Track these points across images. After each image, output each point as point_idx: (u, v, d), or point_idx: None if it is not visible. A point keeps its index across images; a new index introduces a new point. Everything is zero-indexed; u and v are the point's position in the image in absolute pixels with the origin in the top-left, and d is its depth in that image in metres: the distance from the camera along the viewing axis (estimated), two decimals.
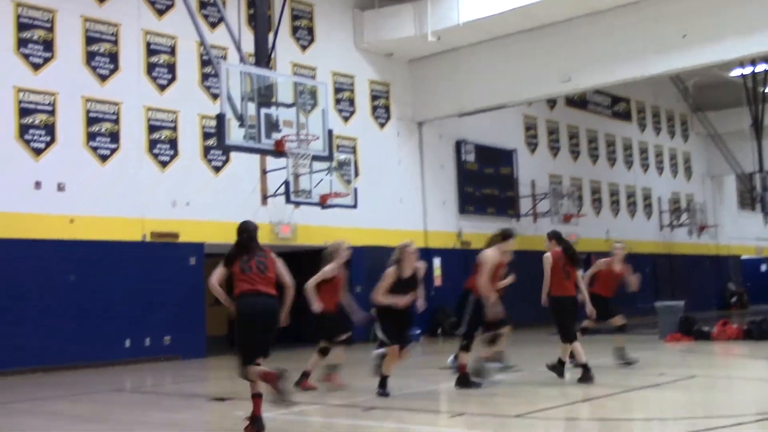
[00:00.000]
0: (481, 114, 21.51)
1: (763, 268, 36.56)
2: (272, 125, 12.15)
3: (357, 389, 9.93)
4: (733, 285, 33.10)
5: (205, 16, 17.14)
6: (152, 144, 16.24)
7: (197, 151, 16.95)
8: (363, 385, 10.04)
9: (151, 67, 16.39)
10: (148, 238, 15.92)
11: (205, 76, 17.13)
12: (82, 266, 14.92)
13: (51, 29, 15.04)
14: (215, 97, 16.27)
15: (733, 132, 30.22)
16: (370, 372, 9.82)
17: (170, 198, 16.31)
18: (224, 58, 16.69)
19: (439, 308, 19.89)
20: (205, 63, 16.95)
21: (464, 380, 9.69)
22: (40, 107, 14.77)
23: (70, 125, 15.10)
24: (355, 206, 17.37)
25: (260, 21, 14.13)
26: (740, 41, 16.67)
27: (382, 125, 20.86)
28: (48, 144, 14.82)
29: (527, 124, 25.25)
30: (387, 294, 9.07)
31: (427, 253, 19.64)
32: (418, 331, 18.70)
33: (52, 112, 14.91)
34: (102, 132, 15.54)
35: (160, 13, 16.62)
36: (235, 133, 11.79)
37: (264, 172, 17.43)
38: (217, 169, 17.21)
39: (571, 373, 10.31)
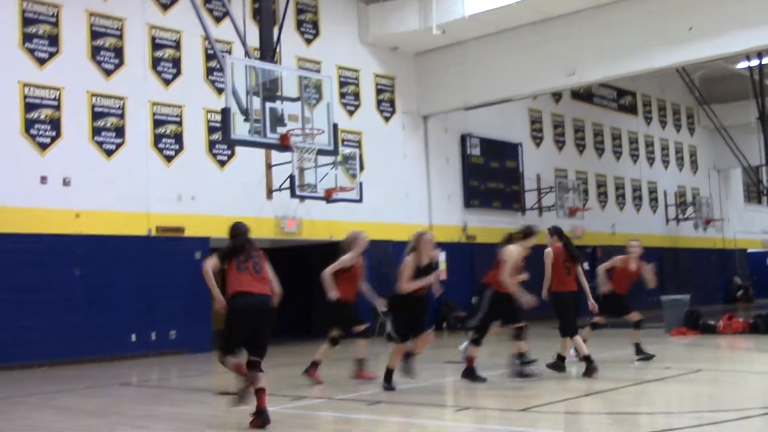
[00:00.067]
0: (487, 107, 21.48)
1: None
2: (277, 119, 12.14)
3: (361, 383, 9.94)
4: (739, 279, 33.02)
5: (210, 10, 17.13)
6: (157, 138, 16.25)
7: (202, 146, 16.96)
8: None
9: (156, 62, 16.39)
10: (153, 233, 15.95)
11: (210, 71, 17.13)
12: (87, 261, 14.95)
13: (56, 24, 15.05)
14: (220, 91, 16.27)
15: (739, 125, 30.11)
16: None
17: (175, 192, 16.33)
18: (229, 52, 16.66)
19: (444, 302, 19.90)
20: (210, 57, 16.96)
21: (471, 373, 9.70)
22: (45, 102, 14.79)
23: (76, 120, 15.12)
24: (360, 200, 17.38)
25: (265, 15, 14.11)
26: (746, 33, 16.60)
27: (387, 119, 20.84)
28: (53, 139, 14.84)
29: (533, 118, 25.20)
30: (410, 282, 9.02)
31: None
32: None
33: (57, 107, 14.93)
34: (107, 127, 15.55)
35: (165, 7, 16.62)
36: (241, 128, 11.79)
37: (269, 166, 17.48)
38: (223, 164, 17.22)
39: (577, 367, 10.30)
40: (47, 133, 14.76)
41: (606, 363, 11.31)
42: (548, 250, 10.45)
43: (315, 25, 19.42)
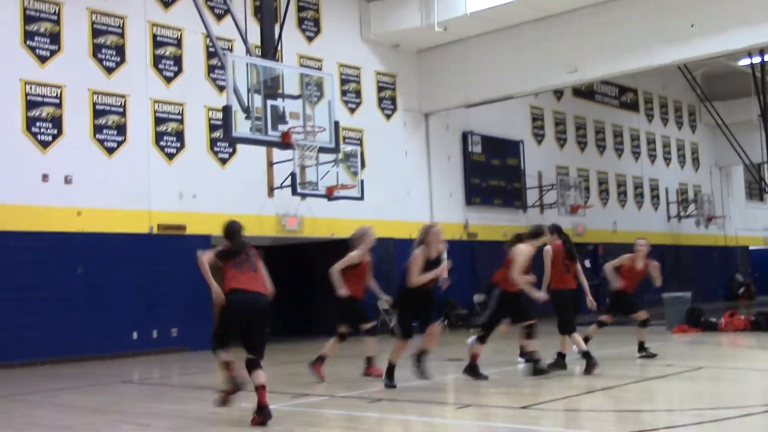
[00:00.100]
0: (488, 105, 21.46)
1: None
2: (278, 117, 12.15)
3: (364, 381, 9.94)
4: (741, 276, 33.01)
5: (211, 8, 17.12)
6: (159, 136, 16.26)
7: (204, 144, 16.96)
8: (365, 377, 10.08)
9: (157, 60, 16.39)
10: (155, 231, 15.96)
11: (211, 68, 17.13)
12: (89, 259, 14.97)
13: (57, 22, 15.05)
14: (221, 89, 16.27)
15: (741, 122, 30.06)
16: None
17: (177, 190, 16.34)
18: (230, 49, 16.66)
19: (444, 299, 19.88)
20: (211, 55, 16.95)
21: (473, 370, 9.70)
22: (46, 100, 14.80)
23: (77, 118, 15.12)
24: (361, 198, 17.38)
25: (266, 12, 14.11)
26: (748, 30, 16.57)
27: (388, 116, 20.83)
28: (55, 137, 14.84)
29: (534, 115, 25.18)
30: (420, 275, 8.99)
31: None
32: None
33: (58, 105, 14.94)
34: (109, 125, 15.56)
35: (166, 5, 16.61)
36: (242, 125, 11.79)
37: (270, 164, 17.47)
38: (224, 162, 17.22)
39: (580, 365, 10.30)
40: (49, 131, 14.76)
41: (608, 360, 11.32)
42: (547, 248, 10.47)
43: (316, 22, 19.41)
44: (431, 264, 9.09)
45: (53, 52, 14.96)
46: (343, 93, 19.65)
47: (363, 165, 18.72)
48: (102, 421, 7.96)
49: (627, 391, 8.90)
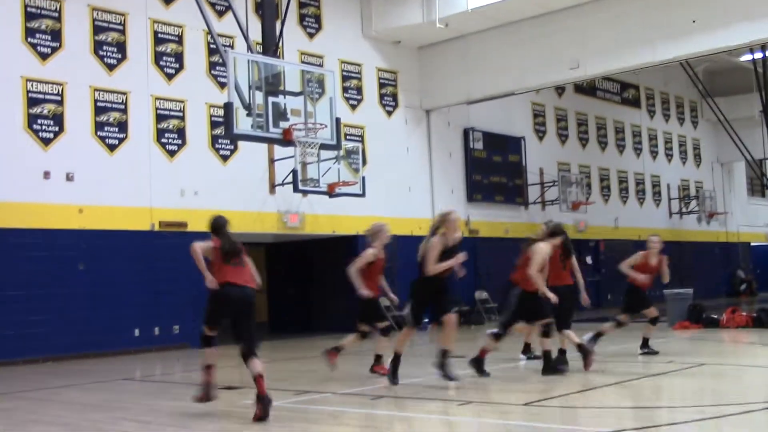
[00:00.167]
0: (490, 101, 21.45)
1: None
2: (280, 114, 12.14)
3: (366, 378, 9.95)
4: (743, 272, 33.00)
5: (212, 5, 17.10)
6: (160, 133, 16.26)
7: (205, 141, 16.96)
8: (371, 374, 10.09)
9: (158, 56, 16.39)
10: (156, 228, 15.96)
11: (212, 65, 17.12)
12: (91, 256, 14.98)
13: (58, 19, 15.04)
14: (223, 85, 16.27)
15: (743, 118, 30.02)
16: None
17: (178, 187, 16.34)
18: (231, 46, 16.67)
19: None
20: (212, 52, 16.94)
21: (478, 363, 9.66)
22: (48, 97, 14.80)
23: (78, 115, 15.12)
24: (363, 195, 17.37)
25: (267, 9, 14.10)
26: (750, 26, 16.53)
27: (389, 113, 20.82)
28: (56, 134, 14.85)
29: (535, 112, 25.16)
30: (438, 263, 8.90)
31: None
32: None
33: (60, 102, 14.94)
34: (110, 122, 15.56)
35: (167, 2, 16.60)
36: (243, 122, 11.79)
37: (272, 161, 17.45)
38: (225, 158, 17.22)
39: (580, 363, 10.29)
40: (50, 128, 14.77)
41: (610, 357, 11.33)
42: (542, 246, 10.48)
43: (317, 19, 19.39)
44: (448, 252, 9.02)
45: (54, 49, 14.96)
46: (345, 90, 19.63)
47: (364, 162, 18.71)
48: (104, 418, 7.97)
49: (628, 388, 8.90)
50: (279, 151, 16.55)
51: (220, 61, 16.02)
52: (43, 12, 14.85)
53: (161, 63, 16.43)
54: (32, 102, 14.59)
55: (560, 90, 25.76)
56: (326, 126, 12.56)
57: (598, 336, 11.32)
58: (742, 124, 29.94)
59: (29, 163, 14.43)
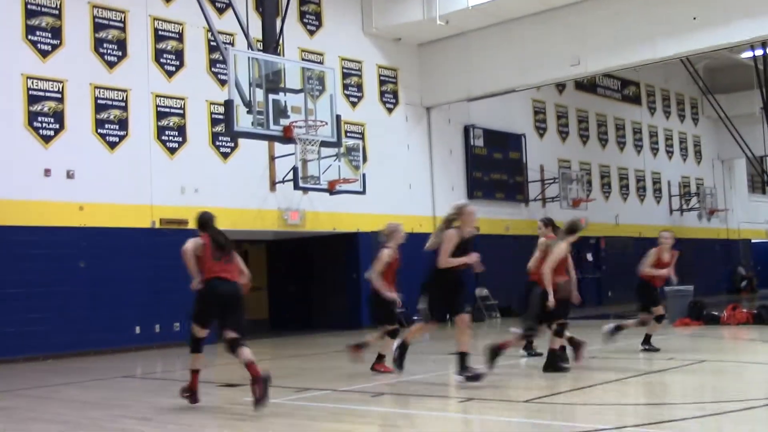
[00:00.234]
0: (490, 98, 21.44)
1: None
2: (280, 111, 12.14)
3: (368, 375, 9.95)
4: (743, 269, 32.98)
5: (213, 2, 17.08)
6: (160, 131, 16.25)
7: (205, 138, 16.95)
8: (372, 372, 10.09)
9: (159, 54, 16.38)
10: (157, 225, 15.96)
11: (213, 62, 17.10)
12: (91, 253, 14.97)
13: (59, 16, 15.03)
14: (223, 83, 16.26)
15: (743, 115, 30.01)
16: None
17: (179, 185, 16.33)
18: (232, 43, 16.66)
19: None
20: (212, 49, 16.93)
21: (494, 352, 9.41)
22: (48, 94, 14.79)
23: (79, 112, 15.11)
24: (363, 192, 17.37)
25: (268, 6, 14.09)
26: (751, 23, 16.52)
27: (390, 110, 20.80)
28: (57, 131, 14.84)
29: (536, 109, 25.14)
30: (452, 256, 8.77)
31: None
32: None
33: (60, 100, 14.93)
34: (110, 119, 15.55)
35: None
36: (244, 120, 11.79)
37: (272, 158, 17.47)
38: (226, 156, 17.21)
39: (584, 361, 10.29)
40: (50, 125, 14.76)
41: (611, 353, 11.33)
42: (542, 240, 10.47)
43: (318, 16, 19.38)
44: (464, 244, 8.91)
45: (55, 47, 14.95)
46: (345, 87, 19.62)
47: (365, 159, 18.71)
48: (104, 416, 7.97)
49: (628, 385, 8.91)
50: (279, 148, 16.56)
51: (221, 58, 16.01)
52: (43, 9, 14.83)
53: (161, 60, 16.42)
54: (32, 99, 14.58)
55: (561, 87, 25.74)
56: (327, 123, 12.56)
57: (618, 329, 11.49)
58: (743, 121, 29.93)
59: (29, 160, 14.43)
